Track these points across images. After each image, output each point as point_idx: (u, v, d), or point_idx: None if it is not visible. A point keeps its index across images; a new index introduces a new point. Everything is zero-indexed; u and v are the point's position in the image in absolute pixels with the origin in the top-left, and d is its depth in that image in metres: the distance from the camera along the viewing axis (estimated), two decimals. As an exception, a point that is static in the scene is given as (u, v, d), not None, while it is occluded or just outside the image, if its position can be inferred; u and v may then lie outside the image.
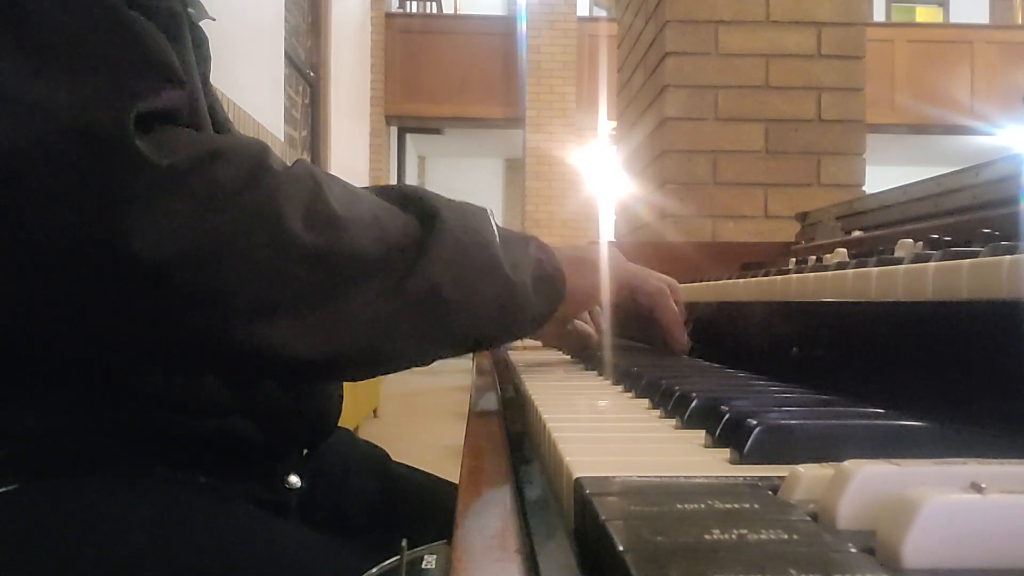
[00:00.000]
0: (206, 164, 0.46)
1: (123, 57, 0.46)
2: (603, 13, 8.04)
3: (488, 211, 0.60)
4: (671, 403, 0.45)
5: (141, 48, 0.47)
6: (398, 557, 0.54)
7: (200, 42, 0.61)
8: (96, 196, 0.43)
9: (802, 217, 1.42)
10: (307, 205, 0.48)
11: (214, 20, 0.66)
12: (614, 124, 3.12)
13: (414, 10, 9.91)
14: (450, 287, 0.53)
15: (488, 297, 0.55)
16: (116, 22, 0.46)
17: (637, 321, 0.78)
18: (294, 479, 0.63)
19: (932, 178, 0.96)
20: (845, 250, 0.86)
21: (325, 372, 0.53)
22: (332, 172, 0.54)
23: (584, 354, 0.79)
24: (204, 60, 0.62)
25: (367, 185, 0.59)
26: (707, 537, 0.21)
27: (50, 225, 0.43)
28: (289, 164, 0.51)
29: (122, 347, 0.49)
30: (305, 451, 0.67)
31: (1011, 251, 0.39)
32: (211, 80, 0.64)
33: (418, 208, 0.55)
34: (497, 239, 0.58)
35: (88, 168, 0.43)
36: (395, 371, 0.57)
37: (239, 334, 0.47)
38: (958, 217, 0.86)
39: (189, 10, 0.61)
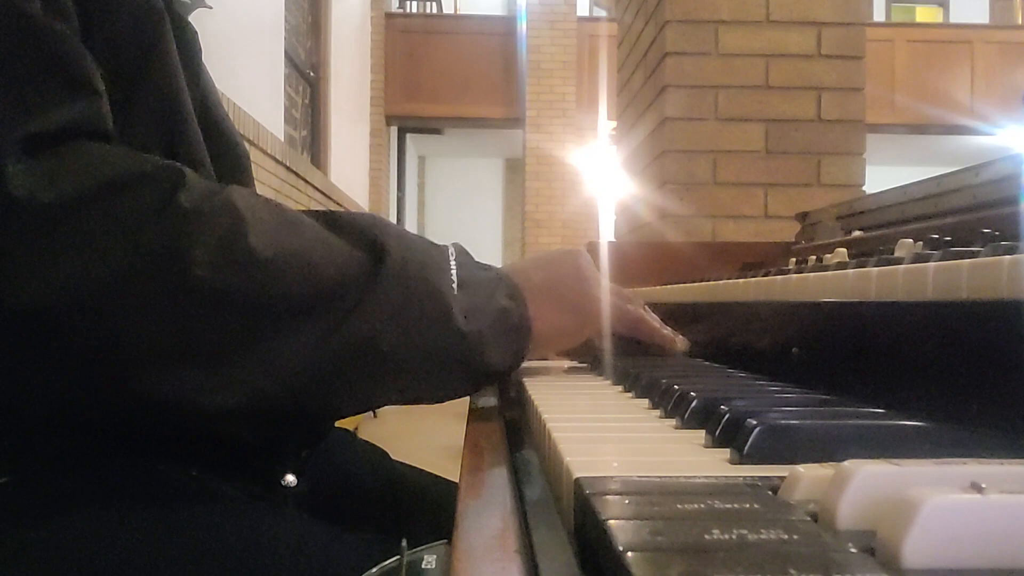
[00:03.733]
0: (103, 195, 0.42)
1: (20, 68, 0.43)
2: (603, 13, 8.05)
3: (449, 250, 0.55)
4: (671, 403, 0.45)
5: (44, 57, 0.44)
6: (398, 557, 0.54)
7: (184, 37, 0.59)
8: None
9: (802, 217, 1.42)
10: (220, 245, 0.44)
11: (210, 8, 0.65)
12: (614, 124, 3.12)
13: (414, 10, 9.91)
14: (390, 338, 0.48)
15: (433, 351, 0.50)
16: (17, 27, 0.43)
17: (619, 338, 0.76)
18: (290, 478, 0.63)
19: (932, 178, 0.96)
20: (845, 250, 0.86)
21: (245, 423, 0.50)
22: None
23: (585, 355, 0.79)
24: (192, 51, 0.60)
25: (322, 211, 0.54)
26: (707, 537, 0.21)
27: None
28: (217, 193, 0.46)
29: (24, 400, 0.45)
30: (304, 451, 0.67)
31: (1011, 251, 0.38)
32: (212, 80, 0.64)
33: (368, 245, 0.50)
34: (455, 283, 0.52)
35: None
36: (330, 420, 0.54)
37: (142, 383, 0.44)
38: (958, 217, 0.85)
39: None
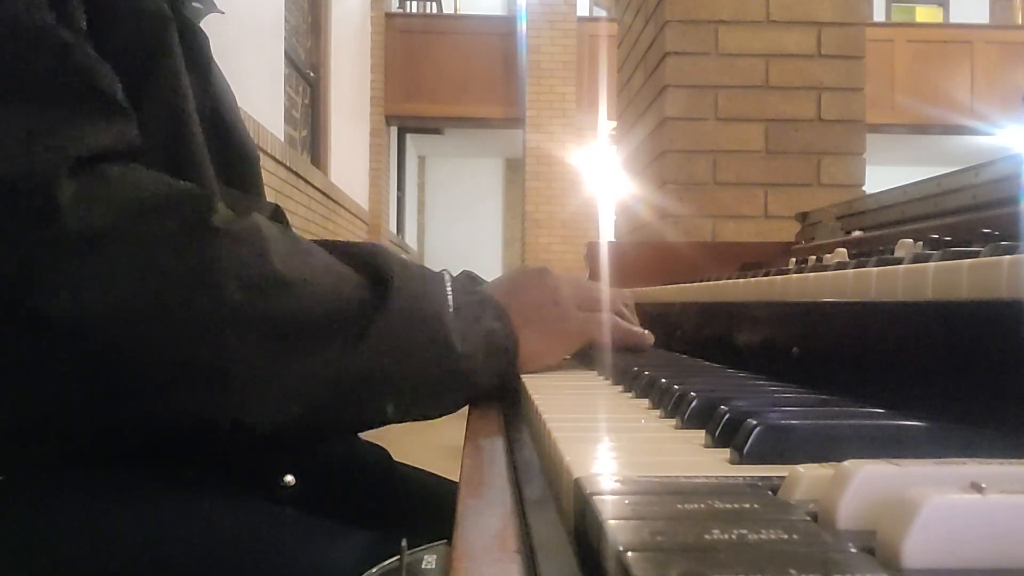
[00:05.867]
0: (138, 218, 0.44)
1: (51, 88, 0.44)
2: (603, 13, 8.04)
3: (445, 277, 0.58)
4: (671, 403, 0.45)
5: (72, 75, 0.45)
6: (398, 557, 0.54)
7: (195, 43, 0.60)
8: (9, 248, 0.41)
9: (802, 217, 1.42)
10: (249, 268, 0.46)
11: (222, 13, 0.65)
12: (614, 124, 3.12)
13: (414, 10, 9.92)
14: (394, 360, 0.51)
15: (433, 372, 0.54)
16: (55, 52, 0.44)
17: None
18: (289, 478, 0.63)
19: (932, 178, 0.96)
20: (845, 250, 0.86)
21: (268, 442, 0.52)
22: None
23: (584, 354, 0.79)
24: (201, 57, 0.61)
25: (325, 240, 0.56)
26: (707, 537, 0.21)
27: None
28: (243, 217, 0.48)
29: (28, 402, 0.46)
30: (303, 451, 0.67)
31: (1011, 251, 0.38)
32: (227, 86, 0.63)
33: (372, 272, 0.53)
34: (451, 308, 0.55)
35: (5, 216, 0.41)
36: (335, 435, 0.56)
37: (166, 402, 0.45)
38: (958, 217, 0.85)
39: (195, 4, 0.60)
